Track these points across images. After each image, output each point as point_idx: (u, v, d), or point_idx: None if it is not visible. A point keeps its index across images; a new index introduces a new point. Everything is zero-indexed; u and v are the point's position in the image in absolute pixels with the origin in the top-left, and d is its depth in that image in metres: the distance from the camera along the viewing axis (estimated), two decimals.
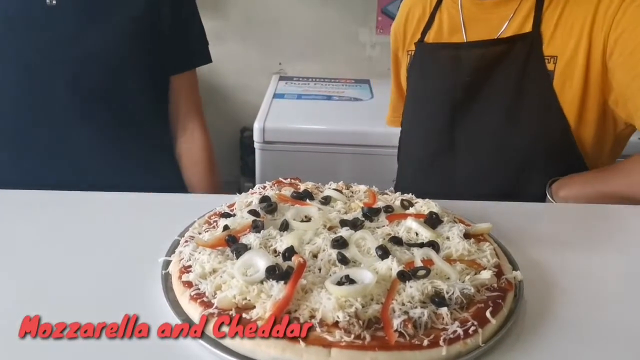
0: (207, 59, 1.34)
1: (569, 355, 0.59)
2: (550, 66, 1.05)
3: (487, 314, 0.60)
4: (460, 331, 0.57)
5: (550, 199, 1.04)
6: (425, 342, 0.56)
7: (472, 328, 0.58)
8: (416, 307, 0.59)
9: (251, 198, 0.81)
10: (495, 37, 1.11)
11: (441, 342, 0.56)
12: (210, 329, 0.58)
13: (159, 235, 0.76)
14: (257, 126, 1.96)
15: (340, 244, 0.69)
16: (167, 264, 0.70)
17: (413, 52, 1.25)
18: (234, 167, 2.62)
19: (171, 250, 0.73)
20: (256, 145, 1.98)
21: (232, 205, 0.82)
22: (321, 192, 0.85)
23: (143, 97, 1.21)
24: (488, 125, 1.13)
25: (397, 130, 1.38)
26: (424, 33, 1.23)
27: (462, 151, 1.17)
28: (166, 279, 0.68)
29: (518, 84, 1.08)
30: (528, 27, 1.08)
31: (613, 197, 0.96)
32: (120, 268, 0.72)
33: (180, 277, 0.65)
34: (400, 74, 1.37)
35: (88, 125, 1.15)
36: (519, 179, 1.10)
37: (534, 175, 1.06)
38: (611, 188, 0.98)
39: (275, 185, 0.88)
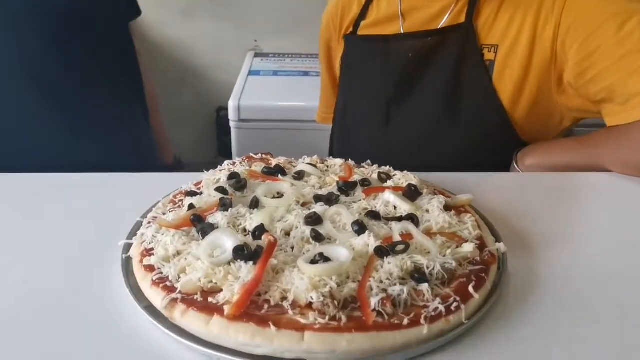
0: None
1: (557, 330, 0.56)
2: (490, 55, 1.01)
3: (470, 288, 0.56)
4: (442, 308, 0.54)
5: (516, 167, 1.02)
6: (405, 321, 0.52)
7: (455, 304, 0.54)
8: (395, 285, 0.55)
9: (219, 175, 0.77)
10: (437, 28, 1.05)
11: (422, 321, 0.52)
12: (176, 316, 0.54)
13: (120, 217, 0.71)
14: (232, 104, 1.90)
15: (314, 220, 0.65)
16: (128, 247, 0.65)
17: (344, 41, 1.18)
18: (211, 147, 2.56)
19: (133, 233, 0.68)
20: (232, 124, 1.93)
21: (199, 183, 0.77)
22: (294, 167, 0.81)
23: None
24: (424, 120, 1.08)
25: None
26: (357, 23, 1.16)
27: (398, 148, 1.11)
28: (127, 263, 0.63)
29: (454, 77, 1.04)
30: (463, 18, 1.03)
31: (578, 167, 0.95)
32: (80, 253, 0.67)
33: (141, 261, 0.61)
34: (334, 66, 1.29)
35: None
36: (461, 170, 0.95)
37: (476, 168, 0.94)
38: (578, 159, 0.96)
39: (246, 161, 0.83)
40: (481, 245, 0.64)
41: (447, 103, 1.05)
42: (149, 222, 0.67)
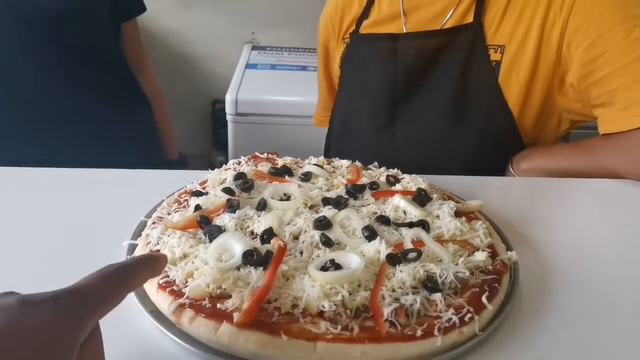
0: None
1: (572, 342, 0.56)
2: (496, 56, 1.00)
3: (484, 299, 0.55)
4: (455, 319, 0.53)
5: (512, 171, 1.01)
6: (419, 332, 0.51)
7: (468, 315, 0.53)
8: (407, 294, 0.54)
9: (225, 175, 0.75)
10: (438, 28, 1.04)
11: (436, 332, 0.51)
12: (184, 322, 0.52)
13: (123, 216, 0.70)
14: (229, 98, 1.88)
15: (323, 224, 0.63)
16: (132, 248, 0.64)
17: (349, 39, 1.16)
18: (206, 140, 2.53)
19: (137, 233, 0.66)
20: (228, 117, 1.91)
21: (204, 182, 0.75)
22: (301, 167, 0.80)
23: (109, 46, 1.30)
24: (430, 120, 1.07)
25: None
26: (359, 22, 1.14)
27: (403, 148, 1.10)
28: None
29: (461, 77, 1.02)
30: (471, 17, 1.02)
31: (574, 173, 0.94)
32: (81, 253, 0.65)
33: None
34: (331, 68, 1.28)
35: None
36: (465, 172, 0.92)
37: (479, 170, 0.93)
38: (576, 164, 0.95)
39: (251, 160, 0.81)
40: (492, 254, 0.63)
41: (454, 103, 1.04)
42: (154, 223, 0.65)
